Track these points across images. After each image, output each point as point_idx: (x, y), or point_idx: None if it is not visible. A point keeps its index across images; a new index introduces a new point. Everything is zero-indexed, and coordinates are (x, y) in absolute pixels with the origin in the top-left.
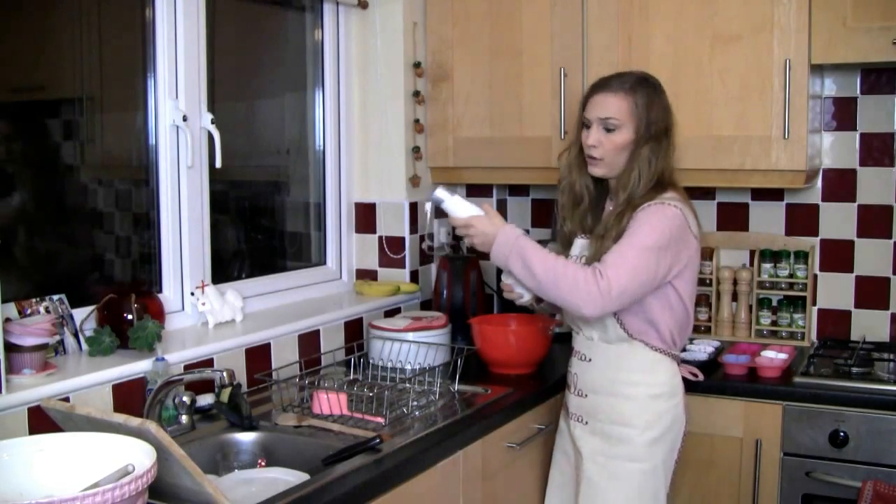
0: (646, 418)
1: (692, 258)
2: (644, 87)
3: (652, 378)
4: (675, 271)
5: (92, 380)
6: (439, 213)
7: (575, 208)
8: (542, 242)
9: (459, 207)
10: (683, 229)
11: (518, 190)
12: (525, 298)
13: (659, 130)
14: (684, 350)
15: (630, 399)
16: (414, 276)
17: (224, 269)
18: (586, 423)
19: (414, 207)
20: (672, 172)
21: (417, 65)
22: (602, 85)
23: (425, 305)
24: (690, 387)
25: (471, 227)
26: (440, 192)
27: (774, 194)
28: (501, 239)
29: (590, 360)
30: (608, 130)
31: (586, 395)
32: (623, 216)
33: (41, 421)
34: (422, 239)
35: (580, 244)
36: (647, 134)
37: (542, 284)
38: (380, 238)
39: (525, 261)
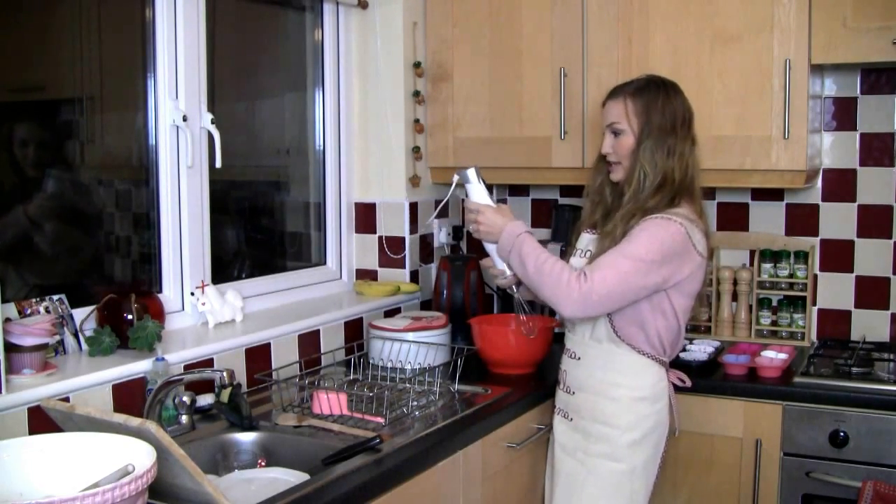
0: (628, 420)
1: (694, 274)
2: (647, 90)
3: (637, 381)
4: (672, 282)
5: (92, 380)
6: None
7: (595, 210)
8: (543, 242)
9: (479, 194)
10: (685, 245)
11: (518, 190)
12: (504, 280)
13: (661, 131)
14: (684, 350)
15: (614, 400)
16: (414, 276)
17: (224, 269)
18: (571, 419)
19: (414, 207)
20: (687, 182)
21: (417, 65)
22: (611, 92)
23: (425, 305)
24: (690, 387)
25: (480, 213)
26: (471, 173)
27: (774, 194)
28: (506, 235)
29: (579, 358)
30: (616, 135)
31: (574, 393)
32: (631, 217)
33: (41, 421)
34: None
35: (586, 239)
36: (646, 135)
37: (531, 281)
38: (380, 238)
39: (521, 257)
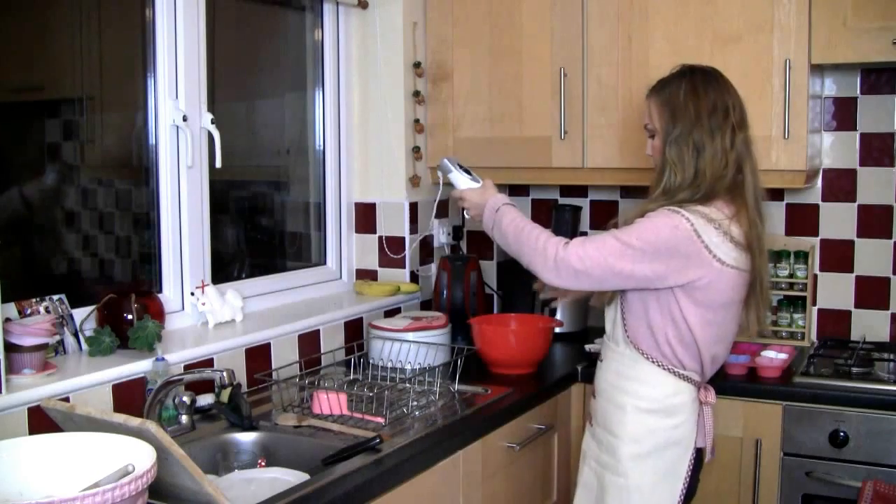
0: (631, 431)
1: (708, 281)
2: (670, 83)
3: (645, 390)
4: (670, 282)
5: (92, 380)
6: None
7: None
8: None
9: (460, 180)
10: (690, 244)
11: (518, 190)
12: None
13: (685, 125)
14: None
15: (619, 407)
16: (414, 276)
17: (224, 269)
18: (592, 424)
19: (414, 207)
20: (726, 179)
21: (417, 65)
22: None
23: (425, 305)
24: None
25: (463, 199)
26: (446, 164)
27: (774, 194)
28: (487, 211)
29: (601, 360)
30: (652, 137)
31: (595, 397)
32: (647, 206)
33: (41, 421)
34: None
35: None
36: (670, 131)
37: (513, 250)
38: (380, 238)
39: (501, 230)
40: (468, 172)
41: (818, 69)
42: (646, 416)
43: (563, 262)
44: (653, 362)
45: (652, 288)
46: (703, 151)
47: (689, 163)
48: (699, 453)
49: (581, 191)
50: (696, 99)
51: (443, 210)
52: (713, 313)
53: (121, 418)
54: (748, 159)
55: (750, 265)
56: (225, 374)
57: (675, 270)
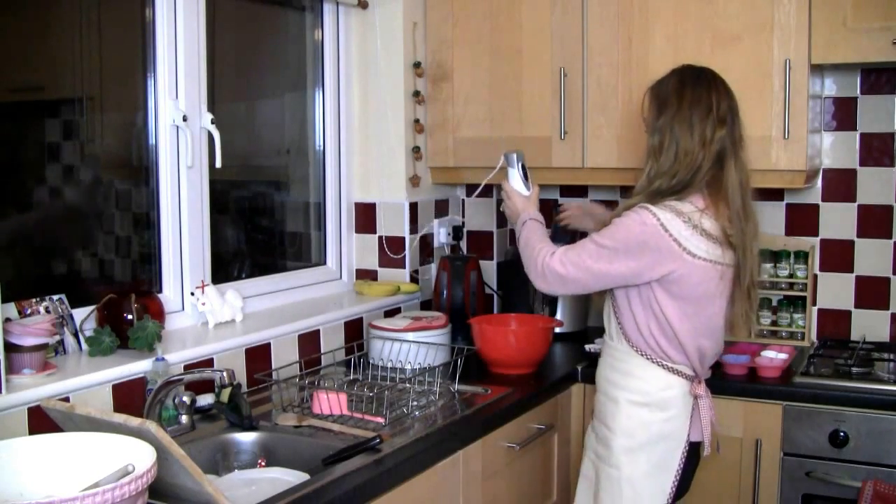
0: (623, 424)
1: (681, 274)
2: (661, 82)
3: (635, 384)
4: (646, 277)
5: (92, 380)
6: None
7: None
8: None
9: (514, 179)
10: (659, 238)
11: None
12: None
13: (666, 121)
14: None
15: (613, 401)
16: (414, 276)
17: (224, 269)
18: (593, 418)
19: (414, 207)
20: (699, 175)
21: (417, 65)
22: None
23: (425, 305)
24: None
25: (508, 198)
26: (514, 158)
27: (774, 194)
28: (518, 222)
29: (600, 355)
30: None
31: (596, 392)
32: (629, 201)
33: (41, 421)
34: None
35: None
36: (655, 121)
37: (522, 258)
38: (380, 238)
39: (519, 240)
40: (525, 175)
41: (818, 69)
42: (638, 410)
43: (549, 269)
44: (643, 356)
45: (633, 284)
46: (681, 141)
47: (667, 151)
48: (695, 448)
49: (581, 191)
50: (682, 92)
51: (442, 210)
52: (692, 306)
53: (121, 418)
54: (732, 156)
55: (729, 259)
56: (225, 374)
57: (648, 266)
